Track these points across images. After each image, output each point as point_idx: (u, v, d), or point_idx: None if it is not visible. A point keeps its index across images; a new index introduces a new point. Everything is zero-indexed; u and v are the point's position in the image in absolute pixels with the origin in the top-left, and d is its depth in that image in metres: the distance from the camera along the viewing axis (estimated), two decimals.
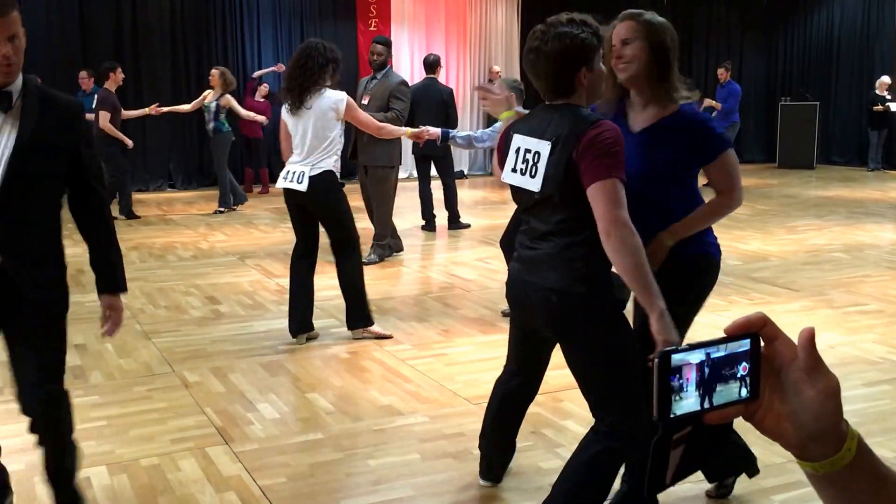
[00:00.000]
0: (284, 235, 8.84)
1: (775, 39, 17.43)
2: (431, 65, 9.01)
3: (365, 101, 7.02)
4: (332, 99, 4.93)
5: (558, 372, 4.52)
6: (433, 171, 8.80)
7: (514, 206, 4.31)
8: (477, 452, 3.54)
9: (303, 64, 4.88)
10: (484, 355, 4.85)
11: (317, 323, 5.52)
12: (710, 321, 5.44)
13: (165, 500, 3.14)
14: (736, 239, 8.47)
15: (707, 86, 16.08)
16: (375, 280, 6.73)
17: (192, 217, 10.28)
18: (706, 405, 0.78)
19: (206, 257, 7.78)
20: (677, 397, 0.76)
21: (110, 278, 2.83)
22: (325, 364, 4.71)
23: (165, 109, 10.59)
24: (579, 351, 2.64)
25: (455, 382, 4.38)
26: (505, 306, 5.77)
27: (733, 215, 10.52)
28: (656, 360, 0.76)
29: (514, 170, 2.67)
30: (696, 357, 0.77)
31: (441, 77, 9.33)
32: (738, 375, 0.79)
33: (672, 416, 0.76)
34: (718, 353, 0.78)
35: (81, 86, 10.82)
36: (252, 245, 8.34)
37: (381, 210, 7.31)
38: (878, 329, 5.29)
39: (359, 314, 5.17)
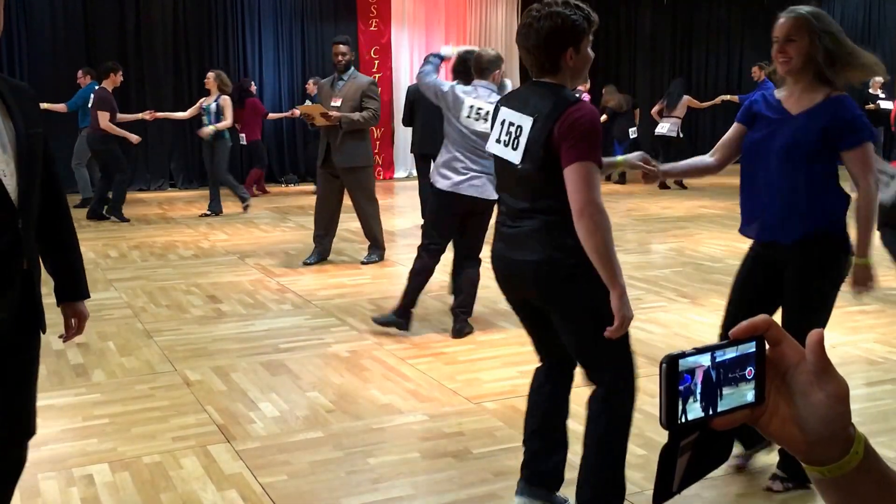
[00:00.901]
0: (284, 235, 8.86)
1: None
2: None
3: (337, 103, 6.96)
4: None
5: None
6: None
7: None
8: (477, 451, 3.55)
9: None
10: (484, 354, 4.85)
11: (317, 322, 5.53)
12: (712, 321, 5.45)
13: (167, 498, 3.15)
14: (737, 238, 8.46)
15: (707, 85, 16.18)
16: (375, 279, 6.74)
17: (193, 216, 10.29)
18: (714, 410, 0.77)
19: (207, 256, 7.78)
20: (685, 403, 0.75)
21: (77, 283, 2.56)
22: (326, 363, 4.72)
23: (161, 115, 10.54)
24: (572, 317, 2.76)
25: (455, 381, 4.39)
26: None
27: (734, 215, 10.44)
28: (663, 365, 0.75)
29: (497, 140, 2.82)
30: (704, 361, 0.76)
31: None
32: (746, 379, 0.78)
33: (680, 422, 0.76)
34: (725, 356, 0.77)
35: (79, 82, 10.82)
36: (253, 244, 8.34)
37: (371, 209, 7.28)
38: (879, 329, 5.29)
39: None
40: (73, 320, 2.56)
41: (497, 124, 2.83)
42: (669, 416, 0.75)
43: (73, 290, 2.54)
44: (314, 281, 6.70)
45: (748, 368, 0.78)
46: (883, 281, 6.11)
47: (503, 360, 4.75)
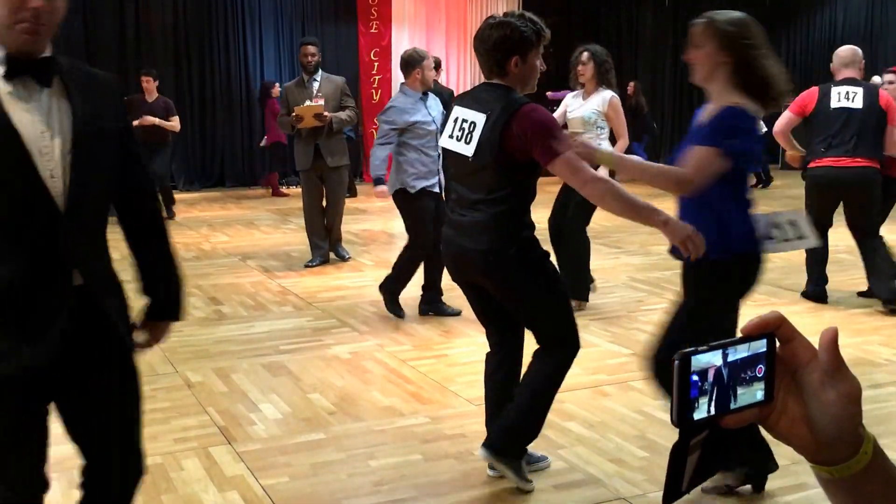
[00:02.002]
0: (286, 236, 8.85)
1: (777, 40, 17.42)
2: (434, 67, 9.01)
3: (320, 103, 6.96)
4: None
5: None
6: None
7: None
8: (479, 453, 3.54)
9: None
10: (485, 356, 4.83)
11: (318, 324, 5.52)
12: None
13: (168, 499, 3.14)
14: None
15: None
16: (377, 281, 6.73)
17: (194, 218, 10.28)
18: (724, 409, 0.76)
19: (208, 258, 7.77)
20: (696, 400, 0.74)
21: (172, 300, 2.22)
22: (327, 365, 4.71)
23: (155, 122, 10.32)
24: (517, 297, 3.08)
25: (456, 383, 4.38)
26: None
27: None
28: (676, 362, 0.74)
29: (451, 136, 3.06)
30: (716, 360, 0.75)
31: (442, 79, 9.32)
32: (756, 377, 0.77)
33: (691, 420, 0.75)
34: (737, 354, 0.76)
35: None
36: (254, 246, 8.33)
37: (341, 207, 7.32)
38: (884, 331, 5.28)
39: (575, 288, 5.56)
40: (146, 337, 2.24)
41: (451, 121, 3.07)
42: (681, 414, 0.74)
43: (159, 308, 2.21)
44: (315, 283, 6.69)
45: (759, 366, 0.77)
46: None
47: None
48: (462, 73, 14.86)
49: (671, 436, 3.67)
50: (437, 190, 5.51)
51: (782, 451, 3.48)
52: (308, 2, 13.79)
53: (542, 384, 3.16)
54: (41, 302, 1.87)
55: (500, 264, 3.00)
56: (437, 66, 9.05)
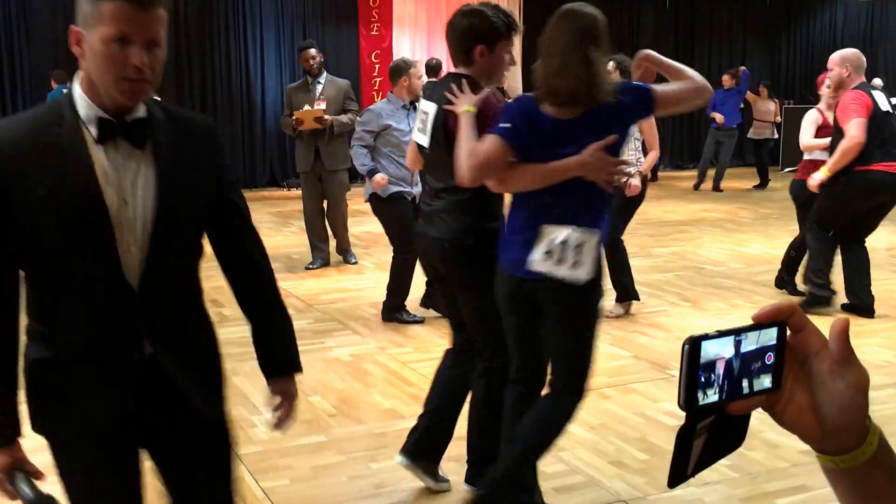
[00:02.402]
0: (287, 239, 8.85)
1: (778, 42, 17.43)
2: (434, 69, 9.01)
3: (322, 106, 6.97)
4: None
5: None
6: None
7: None
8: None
9: None
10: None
11: (319, 326, 5.53)
12: (714, 325, 5.44)
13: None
14: (739, 242, 8.47)
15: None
16: (378, 283, 6.74)
17: None
18: (731, 395, 0.76)
19: (209, 260, 7.73)
20: (704, 385, 0.75)
21: (285, 354, 2.08)
22: (328, 367, 4.71)
23: None
24: (469, 292, 3.00)
25: None
26: None
27: (736, 219, 10.47)
28: (686, 346, 0.74)
29: (418, 129, 3.11)
30: (726, 351, 0.76)
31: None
32: (765, 365, 0.78)
33: (698, 404, 0.75)
34: (748, 341, 0.76)
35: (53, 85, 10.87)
36: None
37: (343, 210, 7.31)
38: (883, 333, 5.28)
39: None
40: (278, 398, 2.07)
41: (419, 114, 3.13)
42: (688, 398, 0.74)
43: (282, 362, 2.07)
44: (316, 285, 6.70)
45: (768, 354, 0.77)
46: (888, 285, 6.11)
47: None
48: None
49: (672, 439, 3.66)
50: (412, 194, 5.54)
51: (780, 454, 3.48)
52: (309, 4, 13.80)
53: (486, 395, 3.05)
54: (107, 370, 1.77)
55: (455, 254, 2.96)
56: (438, 67, 9.06)
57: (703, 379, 0.74)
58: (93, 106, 1.67)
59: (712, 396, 0.75)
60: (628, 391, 4.29)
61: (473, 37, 2.87)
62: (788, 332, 0.79)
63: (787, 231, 9.12)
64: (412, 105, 5.57)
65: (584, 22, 2.60)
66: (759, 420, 0.82)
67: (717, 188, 12.75)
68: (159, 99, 1.92)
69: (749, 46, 17.19)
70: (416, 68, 5.68)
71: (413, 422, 3.89)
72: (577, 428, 3.84)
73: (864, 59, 5.72)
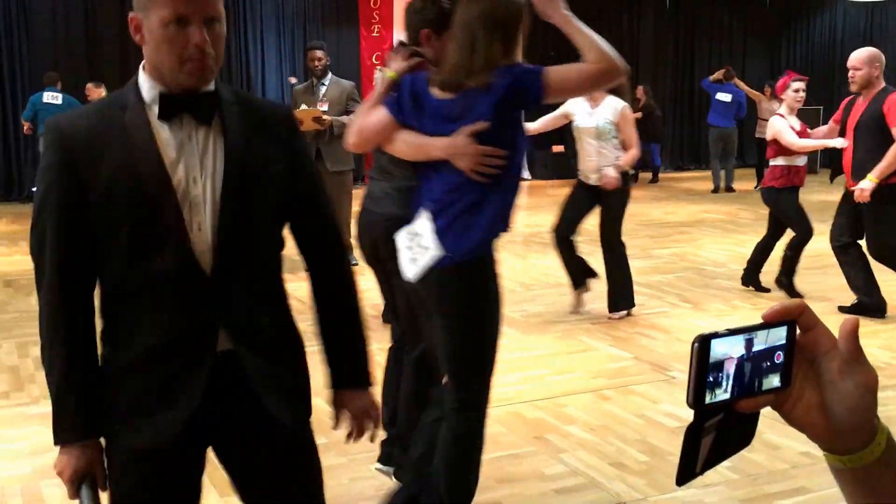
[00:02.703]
0: (288, 241, 8.85)
1: (778, 43, 17.44)
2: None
3: (324, 107, 6.97)
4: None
5: (561, 377, 4.54)
6: None
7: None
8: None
9: None
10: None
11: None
12: (713, 325, 5.43)
13: None
14: (739, 243, 8.47)
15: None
16: (377, 285, 6.74)
17: None
18: (740, 393, 0.77)
19: None
20: (713, 384, 0.75)
21: (346, 365, 1.98)
22: None
23: None
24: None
25: None
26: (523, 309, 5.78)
27: (736, 220, 10.44)
28: (695, 345, 0.74)
29: None
30: (738, 344, 0.76)
31: None
32: (775, 363, 0.78)
33: (706, 403, 0.75)
34: (758, 339, 0.76)
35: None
36: None
37: (346, 212, 7.32)
38: (883, 334, 5.29)
39: (623, 296, 5.65)
40: (342, 411, 1.98)
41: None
42: (697, 396, 0.75)
43: (341, 374, 1.96)
44: None
45: (777, 353, 0.78)
46: (888, 286, 6.12)
47: (506, 365, 4.74)
48: None
49: (672, 440, 3.69)
50: None
51: (781, 455, 3.49)
52: (310, 5, 13.82)
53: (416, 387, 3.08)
54: (179, 369, 1.66)
55: (393, 233, 2.82)
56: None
57: (711, 377, 0.75)
58: (156, 86, 1.63)
59: (721, 395, 0.75)
60: (629, 392, 4.29)
61: (422, 21, 2.86)
62: (798, 331, 0.79)
63: (787, 233, 9.13)
64: None
65: (484, 5, 2.57)
66: (760, 422, 0.82)
67: (729, 188, 12.77)
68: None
69: (749, 47, 17.19)
70: None
71: None
72: (577, 430, 3.84)
73: None
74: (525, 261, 6.74)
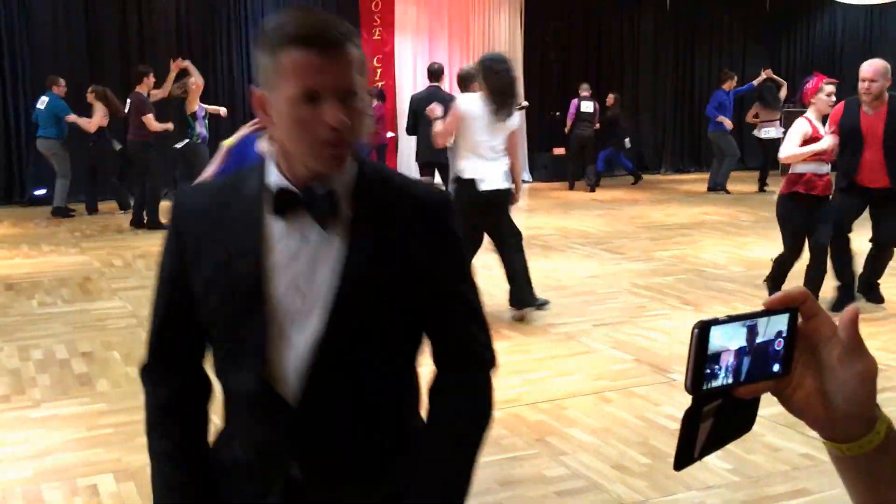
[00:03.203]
0: None
1: (777, 46, 17.46)
2: (435, 73, 9.03)
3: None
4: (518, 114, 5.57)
5: (563, 379, 4.54)
6: (437, 179, 8.81)
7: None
8: (481, 460, 3.55)
9: (514, 77, 5.41)
10: None
11: None
12: None
13: None
14: (739, 245, 8.48)
15: (710, 90, 16.22)
16: None
17: None
18: (739, 379, 0.77)
19: None
20: (711, 369, 0.75)
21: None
22: None
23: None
24: None
25: None
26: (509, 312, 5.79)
27: (737, 222, 10.43)
28: (695, 331, 0.74)
29: None
30: (737, 330, 0.76)
31: (444, 84, 9.34)
32: (775, 350, 0.78)
33: (704, 388, 0.75)
34: (758, 326, 0.77)
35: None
36: None
37: None
38: (882, 336, 5.29)
39: (526, 294, 5.62)
40: None
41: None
42: (695, 382, 0.75)
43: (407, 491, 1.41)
44: None
45: (778, 340, 0.78)
46: (887, 288, 6.13)
47: (508, 368, 4.75)
48: None
49: (673, 442, 3.67)
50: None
51: (782, 457, 3.49)
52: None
53: None
54: (252, 494, 1.44)
55: None
56: (440, 72, 9.08)
57: (710, 363, 0.75)
58: (279, 173, 1.36)
59: (718, 380, 0.76)
60: (630, 395, 4.29)
61: None
62: (800, 319, 0.79)
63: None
64: None
65: None
66: (760, 424, 0.83)
67: (723, 188, 12.81)
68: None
69: (749, 50, 17.21)
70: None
71: None
72: (578, 432, 3.84)
73: None
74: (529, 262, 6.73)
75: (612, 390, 4.36)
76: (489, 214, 5.52)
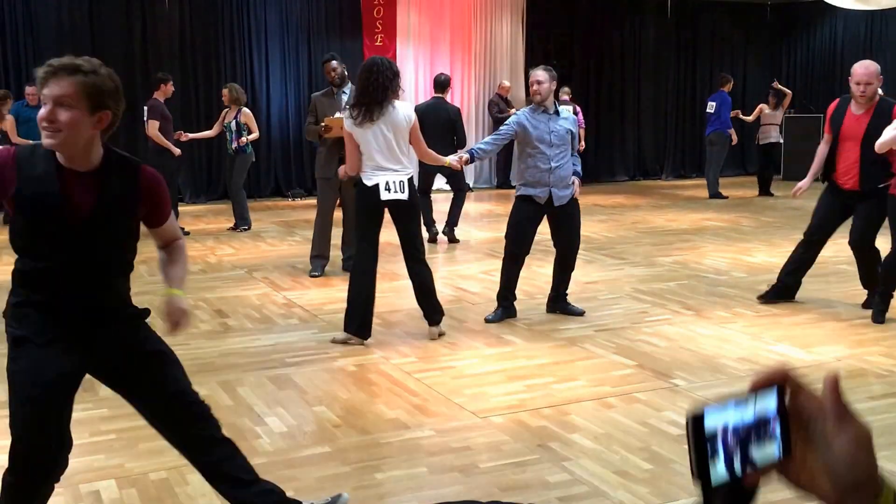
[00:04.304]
0: (291, 248, 8.88)
1: (778, 52, 17.48)
2: (442, 84, 9.02)
3: (344, 116, 7.03)
4: (406, 111, 5.30)
5: (565, 385, 4.55)
6: (440, 183, 8.81)
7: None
8: (483, 466, 3.56)
9: (374, 79, 5.14)
10: (490, 368, 4.86)
11: (325, 335, 5.55)
12: (718, 334, 5.45)
13: None
14: (741, 251, 8.48)
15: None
16: (381, 293, 6.75)
17: (200, 230, 10.32)
18: (743, 470, 0.76)
19: (215, 271, 7.81)
20: (714, 455, 0.75)
21: None
22: (332, 377, 4.73)
23: (191, 136, 10.50)
24: None
25: (461, 396, 4.39)
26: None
27: (739, 228, 10.42)
28: (688, 423, 0.75)
29: None
30: (730, 413, 0.76)
31: (448, 96, 9.34)
32: (772, 433, 0.78)
33: (713, 485, 0.75)
34: (748, 409, 0.77)
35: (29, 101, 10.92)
36: (260, 258, 8.37)
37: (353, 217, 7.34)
38: (884, 342, 5.29)
39: (437, 310, 5.51)
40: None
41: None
42: (701, 471, 0.75)
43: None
44: (321, 295, 6.71)
45: (773, 422, 0.78)
46: None
47: (510, 373, 4.76)
48: (466, 88, 14.91)
49: (676, 448, 3.70)
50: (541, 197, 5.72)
51: None
52: (314, 16, 13.87)
53: None
54: None
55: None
56: (447, 84, 9.08)
57: (711, 449, 0.75)
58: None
59: (723, 473, 0.76)
60: (632, 400, 4.30)
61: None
62: (788, 397, 0.79)
63: (790, 240, 9.13)
64: (556, 112, 5.73)
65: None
66: None
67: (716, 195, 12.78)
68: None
69: (749, 57, 17.23)
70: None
71: (418, 431, 3.92)
72: (581, 438, 3.85)
73: None
74: (528, 269, 6.73)
75: (614, 396, 4.37)
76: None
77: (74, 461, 3.58)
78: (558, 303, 6.02)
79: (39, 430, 2.53)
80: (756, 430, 0.77)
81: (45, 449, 2.56)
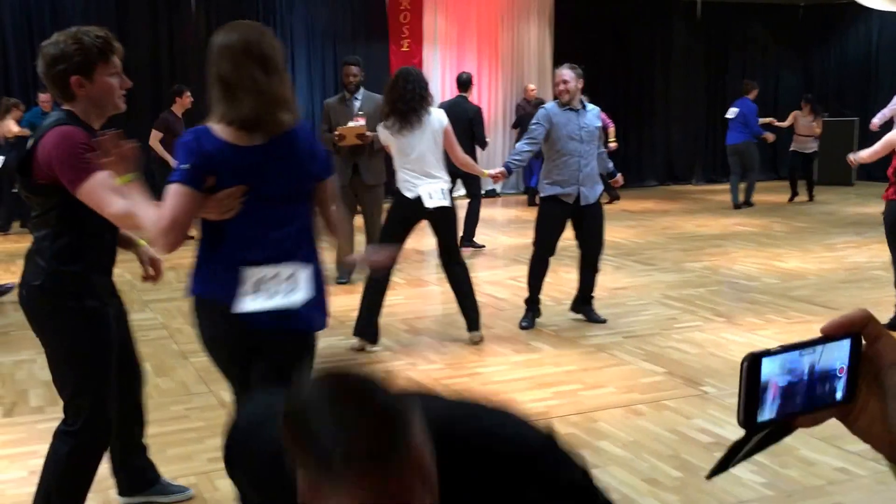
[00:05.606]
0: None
1: (812, 54, 17.26)
2: (464, 83, 9.03)
3: (361, 122, 7.04)
4: (440, 116, 5.32)
5: (593, 392, 4.51)
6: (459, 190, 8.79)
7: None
8: None
9: (411, 88, 5.19)
10: (518, 375, 4.83)
11: (351, 342, 5.55)
12: (748, 341, 5.38)
13: None
14: (773, 257, 8.37)
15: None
16: (408, 299, 6.75)
17: None
18: (796, 409, 0.75)
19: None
20: (766, 402, 0.73)
21: None
22: None
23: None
24: (42, 343, 2.79)
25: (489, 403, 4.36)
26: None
27: (770, 233, 10.32)
28: (745, 364, 0.73)
29: None
30: (792, 361, 0.74)
31: (473, 95, 9.33)
32: (837, 377, 0.76)
33: (758, 422, 0.74)
34: (815, 355, 0.75)
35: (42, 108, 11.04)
36: None
37: (380, 224, 7.33)
38: None
39: (478, 315, 5.47)
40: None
41: None
42: (748, 416, 0.73)
43: None
44: (347, 301, 6.71)
45: (839, 367, 0.76)
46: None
47: (538, 380, 4.73)
48: (492, 90, 14.90)
49: (706, 456, 3.65)
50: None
51: (816, 471, 3.43)
52: (340, 22, 13.93)
53: (52, 467, 2.84)
54: None
55: (27, 299, 2.72)
56: (469, 83, 9.09)
57: (763, 396, 0.73)
58: None
59: (773, 412, 0.74)
60: (661, 408, 4.25)
61: (63, 68, 2.59)
62: (864, 342, 0.78)
63: (823, 245, 9.02)
64: (583, 106, 5.75)
65: (235, 45, 2.45)
66: (795, 438, 0.81)
67: (747, 203, 12.56)
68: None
69: (782, 59, 17.04)
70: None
71: None
72: (609, 445, 3.81)
73: None
74: (556, 274, 6.71)
75: (643, 403, 4.32)
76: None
77: (103, 467, 3.61)
78: (583, 305, 5.99)
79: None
80: (821, 374, 0.75)
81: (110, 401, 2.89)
